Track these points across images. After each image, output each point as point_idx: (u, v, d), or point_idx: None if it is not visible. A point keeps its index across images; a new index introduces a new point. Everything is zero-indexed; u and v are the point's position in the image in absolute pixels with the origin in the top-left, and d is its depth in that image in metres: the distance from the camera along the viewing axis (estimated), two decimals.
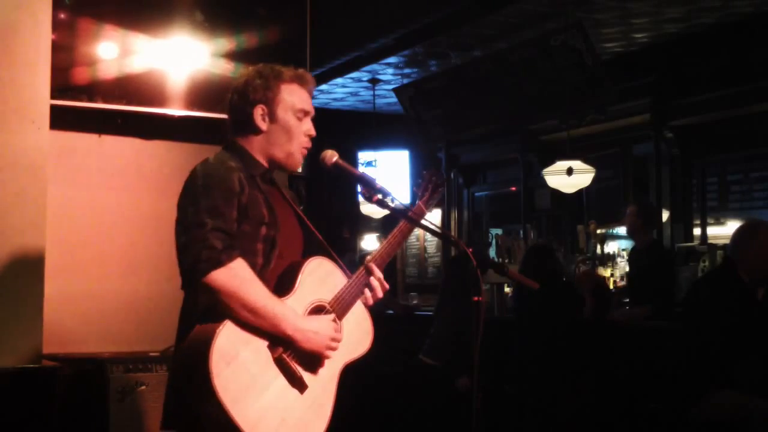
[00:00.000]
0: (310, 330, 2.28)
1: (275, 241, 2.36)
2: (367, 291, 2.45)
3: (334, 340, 2.33)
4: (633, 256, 6.15)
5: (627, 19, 6.85)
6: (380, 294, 2.46)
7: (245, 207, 2.31)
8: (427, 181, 2.67)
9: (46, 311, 3.52)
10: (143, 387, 3.64)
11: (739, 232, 4.20)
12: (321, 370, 2.34)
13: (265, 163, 2.45)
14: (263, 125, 2.42)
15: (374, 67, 8.55)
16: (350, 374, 2.42)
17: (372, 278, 2.45)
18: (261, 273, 2.31)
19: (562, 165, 6.94)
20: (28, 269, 3.46)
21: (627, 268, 7.63)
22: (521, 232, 9.27)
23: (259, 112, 2.41)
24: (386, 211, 2.58)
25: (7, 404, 3.30)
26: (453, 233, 9.91)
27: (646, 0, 6.43)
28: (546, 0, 6.54)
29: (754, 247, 4.06)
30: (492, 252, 8.41)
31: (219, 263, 2.17)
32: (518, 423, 5.34)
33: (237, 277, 2.19)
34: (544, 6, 6.66)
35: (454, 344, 5.40)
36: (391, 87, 9.11)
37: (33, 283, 3.48)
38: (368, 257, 2.49)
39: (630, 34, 7.28)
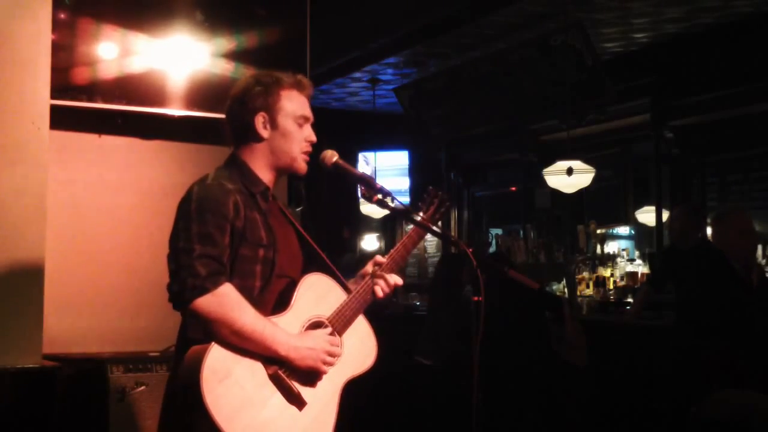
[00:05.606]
0: (305, 347, 2.24)
1: (274, 262, 2.33)
2: (382, 284, 2.42)
3: (330, 354, 2.28)
4: (678, 259, 5.09)
5: (627, 19, 6.84)
6: (396, 283, 2.43)
7: (242, 230, 2.27)
8: (433, 196, 2.62)
9: (46, 311, 3.52)
10: (143, 387, 3.64)
11: (711, 223, 4.34)
12: (320, 386, 2.28)
13: (267, 177, 2.41)
14: (264, 133, 2.38)
15: (374, 67, 8.54)
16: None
17: (387, 275, 2.42)
18: (261, 294, 2.29)
19: (562, 165, 6.94)
20: (29, 269, 3.46)
21: (627, 269, 7.65)
22: (521, 232, 9.27)
23: (260, 119, 2.37)
24: (386, 211, 2.57)
25: (7, 404, 3.30)
26: (453, 233, 9.90)
27: (646, 0, 6.43)
28: (546, 0, 6.54)
29: (722, 233, 4.19)
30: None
31: (204, 290, 2.15)
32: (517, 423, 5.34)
33: (222, 303, 2.16)
34: (544, 6, 6.65)
35: (451, 343, 5.39)
36: (391, 87, 9.10)
37: (33, 283, 3.48)
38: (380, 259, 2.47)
39: (630, 34, 7.27)
